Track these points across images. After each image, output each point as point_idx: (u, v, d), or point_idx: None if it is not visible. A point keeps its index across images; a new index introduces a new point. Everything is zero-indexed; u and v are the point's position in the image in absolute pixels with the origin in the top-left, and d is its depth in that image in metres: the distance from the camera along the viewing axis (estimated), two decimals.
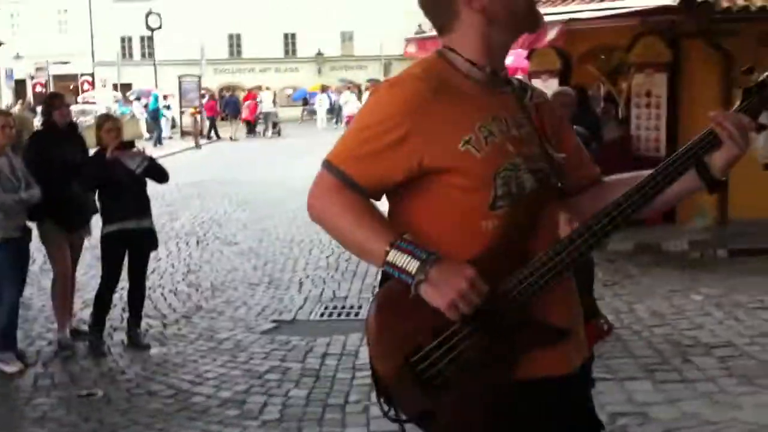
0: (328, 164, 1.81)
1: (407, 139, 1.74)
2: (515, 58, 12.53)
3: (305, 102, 40.98)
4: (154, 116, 28.56)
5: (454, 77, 1.83)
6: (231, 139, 29.53)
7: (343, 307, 7.09)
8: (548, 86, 10.21)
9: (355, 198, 1.78)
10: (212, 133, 29.70)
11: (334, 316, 6.87)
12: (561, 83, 10.67)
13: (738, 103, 1.85)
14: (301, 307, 7.14)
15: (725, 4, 8.89)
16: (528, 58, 11.50)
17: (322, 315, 6.92)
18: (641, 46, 9.93)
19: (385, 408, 1.85)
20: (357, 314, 6.83)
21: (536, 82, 11.42)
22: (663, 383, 4.95)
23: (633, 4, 9.62)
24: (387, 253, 1.71)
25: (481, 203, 1.76)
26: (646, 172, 1.85)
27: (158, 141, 26.62)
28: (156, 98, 29.17)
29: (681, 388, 4.86)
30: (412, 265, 1.69)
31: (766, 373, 5.06)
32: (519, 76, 15.03)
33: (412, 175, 1.77)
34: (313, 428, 4.53)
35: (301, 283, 8.03)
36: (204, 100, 31.48)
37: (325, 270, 8.58)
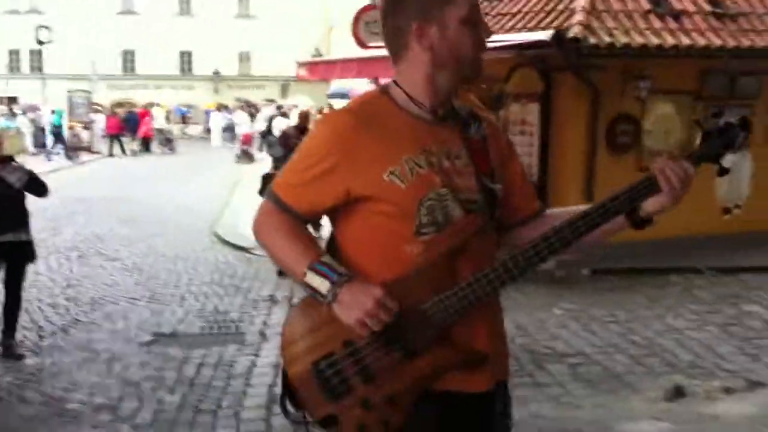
0: (270, 192, 1.97)
1: (335, 169, 1.86)
2: None
3: (184, 119, 41.47)
4: (57, 132, 27.92)
5: (389, 112, 1.92)
6: (133, 152, 29.24)
7: (224, 321, 7.24)
8: None
9: (287, 221, 1.92)
10: (119, 150, 29.22)
11: (215, 330, 7.01)
12: None
13: (698, 144, 1.85)
14: (181, 321, 7.24)
15: (593, 41, 9.55)
16: None
17: (202, 328, 7.04)
18: (517, 77, 10.51)
19: (292, 410, 1.94)
20: (238, 327, 6.99)
21: None
22: (516, 387, 5.33)
23: (511, 38, 10.25)
24: (305, 274, 1.85)
25: (405, 229, 1.86)
26: (584, 207, 1.91)
27: (67, 156, 26.15)
28: (60, 114, 28.53)
29: (532, 392, 5.27)
30: (324, 286, 1.83)
31: (607, 378, 5.54)
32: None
33: (340, 202, 1.90)
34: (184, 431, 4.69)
35: (183, 298, 8.12)
36: (96, 116, 30.88)
37: (209, 285, 8.69)
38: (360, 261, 1.90)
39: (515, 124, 10.78)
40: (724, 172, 1.87)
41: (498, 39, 10.48)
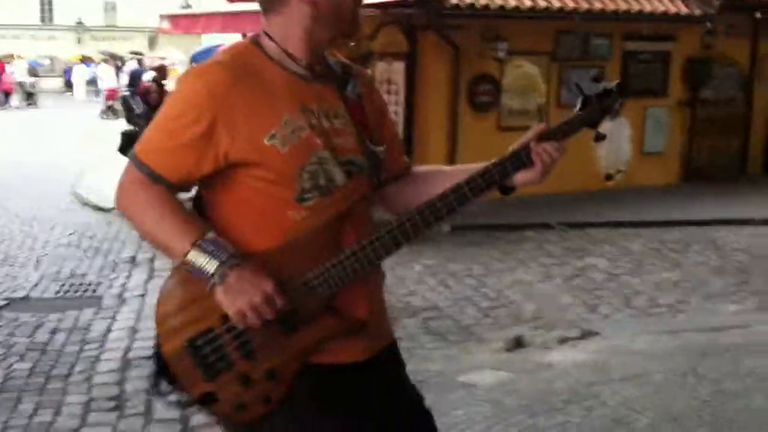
0: (134, 158, 1.76)
1: (212, 132, 1.71)
2: None
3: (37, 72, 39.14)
4: None
5: (264, 66, 1.79)
6: None
7: (81, 284, 7.07)
8: None
9: (160, 193, 1.74)
10: None
11: (71, 294, 6.85)
12: None
13: (577, 109, 1.86)
14: (36, 285, 7.03)
15: (454, 1, 9.75)
16: None
17: (57, 292, 6.86)
18: (383, 35, 10.62)
19: (167, 389, 1.84)
20: (95, 291, 6.86)
21: None
22: None
23: None
24: (187, 252, 1.70)
25: (287, 195, 1.75)
26: (449, 168, 1.96)
27: None
28: None
29: None
30: (212, 266, 1.69)
31: (457, 330, 5.82)
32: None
33: (219, 168, 1.75)
34: (33, 398, 4.61)
35: (38, 261, 7.87)
36: None
37: (66, 248, 8.44)
38: (236, 226, 1.78)
39: (381, 83, 10.90)
40: (600, 138, 1.87)
41: None
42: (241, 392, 1.78)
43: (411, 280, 7.17)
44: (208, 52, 18.18)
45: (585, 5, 10.43)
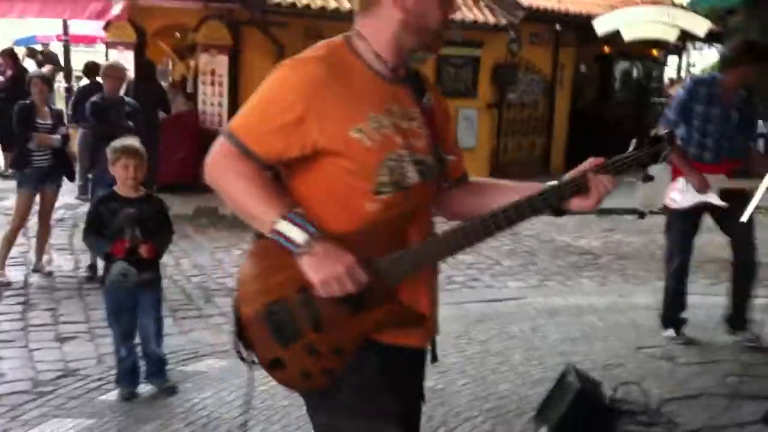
0: (229, 134, 1.88)
1: (304, 120, 1.82)
2: (92, 27, 12.74)
3: None
4: None
5: (354, 64, 1.91)
6: None
7: None
8: (124, 58, 10.68)
9: (250, 167, 1.85)
10: None
11: None
12: (136, 56, 11.21)
13: (630, 149, 1.98)
14: None
15: (276, 0, 10.12)
16: (105, 28, 11.79)
17: None
18: (206, 28, 10.82)
19: (243, 352, 1.96)
20: None
21: (113, 53, 11.81)
22: (183, 319, 5.82)
23: None
24: (275, 222, 1.79)
25: (365, 187, 1.85)
26: (501, 183, 2.09)
27: None
28: None
29: (197, 323, 5.77)
30: (301, 237, 1.79)
31: None
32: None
33: (306, 153, 1.85)
34: None
35: None
36: None
37: None
38: (313, 209, 1.87)
39: (205, 74, 11.11)
40: (648, 178, 2.00)
41: None
42: (308, 362, 1.90)
43: (229, 264, 7.46)
44: (30, 39, 17.53)
45: None
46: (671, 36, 12.33)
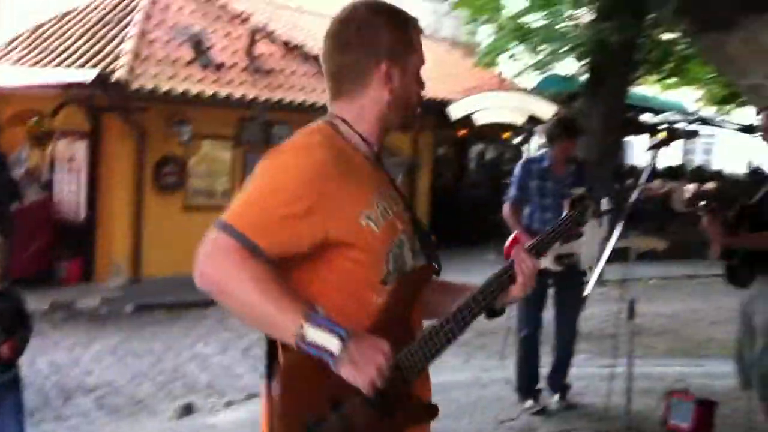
0: (227, 227, 1.65)
1: (313, 210, 1.67)
2: None
3: None
4: None
5: (347, 149, 1.80)
6: None
7: None
8: None
9: (258, 264, 1.63)
10: None
11: None
12: None
13: (565, 212, 2.01)
14: None
15: (136, 85, 10.04)
16: None
17: None
18: (64, 114, 10.59)
19: None
20: None
21: None
22: (40, 422, 5.52)
23: (56, 75, 10.29)
24: (302, 327, 1.60)
25: (374, 278, 1.74)
26: (450, 282, 1.96)
27: None
28: None
29: (55, 425, 5.49)
30: (333, 344, 1.60)
31: (131, 404, 5.99)
32: None
33: (315, 247, 1.70)
34: None
35: None
36: None
37: None
38: (322, 306, 1.68)
39: (62, 161, 10.82)
40: (579, 236, 2.08)
41: (44, 75, 10.49)
42: None
43: (88, 360, 7.18)
44: None
45: (266, 95, 11.29)
46: (520, 120, 13.12)
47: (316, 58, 12.46)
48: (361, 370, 1.62)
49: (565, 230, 1.98)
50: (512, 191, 5.23)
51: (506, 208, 5.25)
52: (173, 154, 10.90)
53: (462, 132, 14.31)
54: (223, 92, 10.81)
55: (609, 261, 4.11)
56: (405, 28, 1.89)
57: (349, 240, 1.71)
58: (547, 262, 5.00)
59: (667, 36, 13.07)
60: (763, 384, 3.93)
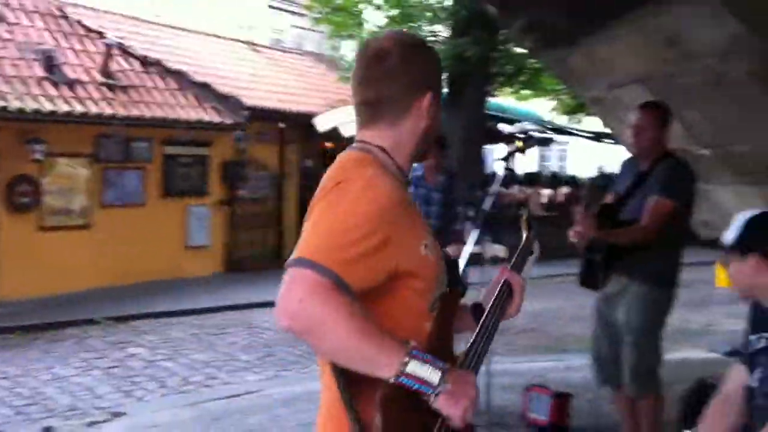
0: (315, 265, 1.58)
1: (388, 242, 1.65)
2: None
3: None
4: None
5: (392, 178, 1.76)
6: None
7: None
8: None
9: (353, 303, 1.58)
10: None
11: None
12: None
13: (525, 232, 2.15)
14: None
15: None
16: None
17: None
18: None
19: None
20: None
21: None
22: None
23: None
24: (406, 361, 1.58)
25: (424, 306, 1.74)
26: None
27: None
28: None
29: None
30: (435, 376, 1.61)
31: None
32: None
33: (390, 279, 1.68)
34: None
35: None
36: None
37: None
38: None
39: None
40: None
41: None
42: None
43: None
44: None
45: (123, 111, 11.03)
46: None
47: (175, 73, 12.66)
48: (457, 402, 1.63)
49: (527, 249, 2.11)
50: None
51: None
52: (27, 173, 10.47)
53: (329, 144, 14.45)
54: (79, 109, 10.49)
55: (471, 264, 4.24)
56: (439, 62, 1.92)
57: (414, 269, 1.71)
58: None
59: (519, 50, 13.71)
60: (633, 378, 4.02)
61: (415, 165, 5.47)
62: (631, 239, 3.95)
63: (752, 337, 2.34)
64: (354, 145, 1.84)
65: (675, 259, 4.07)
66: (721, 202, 5.34)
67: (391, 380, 1.59)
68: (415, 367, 1.59)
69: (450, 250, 4.89)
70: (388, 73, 1.80)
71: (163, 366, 7.54)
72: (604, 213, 4.14)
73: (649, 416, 4.07)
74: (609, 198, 4.30)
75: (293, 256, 1.61)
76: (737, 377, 2.40)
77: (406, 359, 1.58)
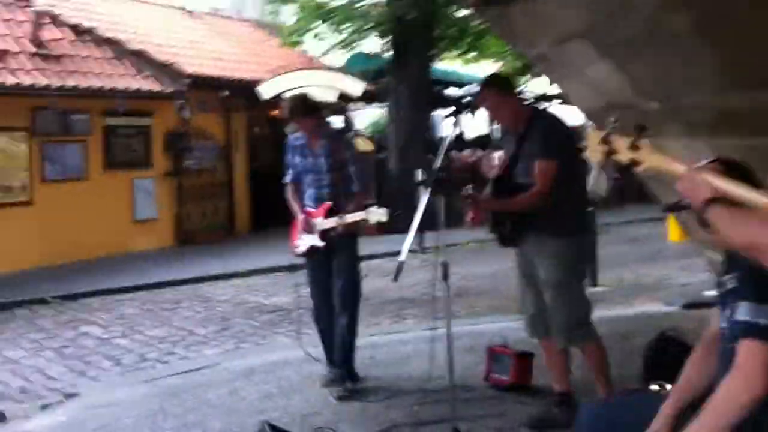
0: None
1: None
2: None
3: None
4: None
5: None
6: None
7: None
8: None
9: None
10: None
11: None
12: None
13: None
14: None
15: None
16: None
17: None
18: None
19: None
20: None
21: None
22: None
23: None
24: None
25: None
26: None
27: None
28: None
29: None
30: None
31: None
32: None
33: None
34: None
35: None
36: None
37: None
38: None
39: None
40: None
41: None
42: None
43: None
44: None
45: (58, 82, 10.66)
46: (331, 97, 13.23)
47: (109, 41, 12.27)
48: None
49: None
50: (287, 172, 5.32)
51: (287, 191, 5.35)
52: None
53: (275, 112, 14.24)
54: (11, 80, 10.10)
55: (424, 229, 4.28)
56: None
57: None
58: (314, 240, 5.10)
59: (462, 13, 13.64)
60: (563, 330, 4.20)
61: (296, 134, 5.38)
62: (529, 204, 4.15)
63: (724, 278, 2.33)
64: None
65: (576, 207, 4.33)
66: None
67: None
68: None
69: (348, 214, 4.87)
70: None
71: (117, 343, 7.38)
72: (499, 183, 4.35)
73: (599, 363, 4.25)
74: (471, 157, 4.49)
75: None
76: (715, 322, 2.40)
77: None
